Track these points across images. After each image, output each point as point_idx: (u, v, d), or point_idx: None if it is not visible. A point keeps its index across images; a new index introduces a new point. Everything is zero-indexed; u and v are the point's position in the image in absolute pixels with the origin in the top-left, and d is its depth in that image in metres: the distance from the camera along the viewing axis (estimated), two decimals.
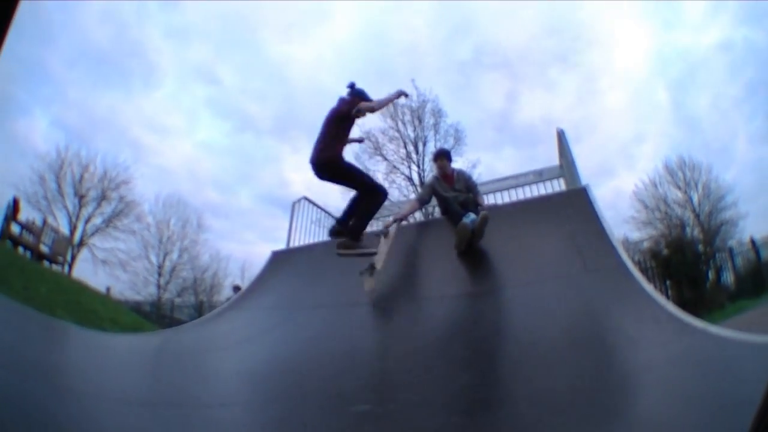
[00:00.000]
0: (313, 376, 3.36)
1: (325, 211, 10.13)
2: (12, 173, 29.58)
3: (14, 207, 18.26)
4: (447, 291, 4.95)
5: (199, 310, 14.48)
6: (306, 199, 9.51)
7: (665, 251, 17.97)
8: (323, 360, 3.80)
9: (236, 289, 11.69)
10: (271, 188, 40.89)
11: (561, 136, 7.93)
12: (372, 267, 5.07)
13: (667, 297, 12.02)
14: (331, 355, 3.92)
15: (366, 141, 22.35)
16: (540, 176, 8.26)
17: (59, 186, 27.16)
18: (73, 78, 36.41)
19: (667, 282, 16.15)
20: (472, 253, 5.42)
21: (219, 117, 43.98)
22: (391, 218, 6.13)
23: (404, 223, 6.42)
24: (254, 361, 4.12)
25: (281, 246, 8.24)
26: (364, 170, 5.63)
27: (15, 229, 17.99)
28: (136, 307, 23.42)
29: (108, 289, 23.74)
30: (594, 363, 2.61)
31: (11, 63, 34.18)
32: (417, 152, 22.77)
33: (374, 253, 5.23)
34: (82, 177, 27.76)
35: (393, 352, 3.88)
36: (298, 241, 8.84)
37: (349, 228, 5.35)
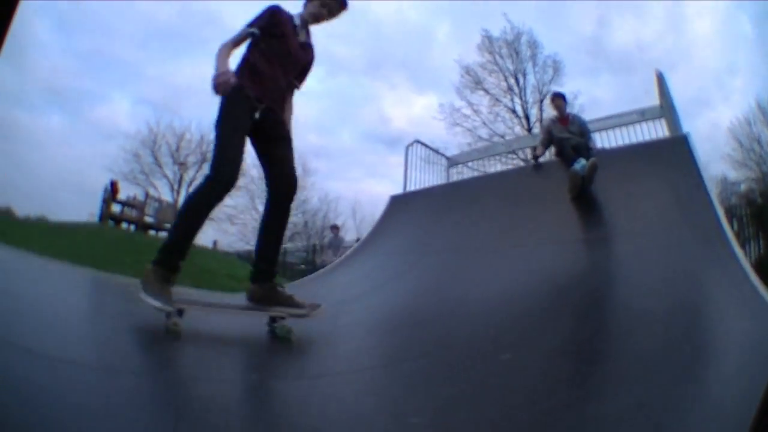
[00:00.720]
0: (446, 324, 3.29)
1: (438, 152, 10.39)
2: (103, 157, 32.20)
3: (112, 189, 19.56)
4: (562, 236, 5.10)
5: (312, 252, 15.04)
6: (418, 142, 9.80)
7: (759, 200, 17.17)
8: (454, 306, 3.77)
9: (334, 229, 11.99)
10: (371, 126, 41.57)
11: (660, 79, 7.88)
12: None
13: (759, 249, 11.69)
14: (461, 301, 3.92)
15: (465, 76, 22.95)
16: (642, 116, 8.23)
17: (156, 158, 29.15)
18: (147, 56, 38.16)
19: (759, 234, 15.55)
20: (584, 199, 5.56)
21: None
22: (530, 156, 6.26)
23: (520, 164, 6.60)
24: (387, 310, 4.08)
25: (387, 182, 8.76)
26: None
27: (116, 208, 19.20)
28: (247, 257, 24.44)
29: (215, 243, 25.19)
30: (686, 326, 2.56)
31: (68, 61, 36.46)
32: (518, 85, 22.64)
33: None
34: (178, 146, 29.65)
35: (518, 297, 3.79)
36: (413, 185, 9.04)
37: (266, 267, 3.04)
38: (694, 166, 5.21)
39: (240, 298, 3.37)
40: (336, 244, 9.93)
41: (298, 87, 3.22)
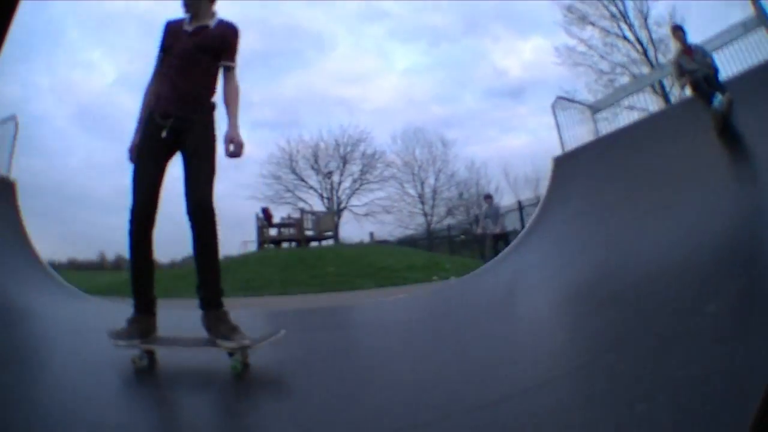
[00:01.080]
0: (647, 277, 3.43)
1: (582, 104, 10.43)
2: (241, 188, 34.02)
3: (265, 216, 20.69)
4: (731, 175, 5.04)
5: (474, 224, 15.64)
6: (562, 98, 9.98)
7: None
8: (654, 260, 3.89)
9: (488, 198, 11.75)
10: (489, 83, 40.96)
11: None
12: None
13: None
14: (657, 252, 4.05)
15: (568, 14, 22.32)
16: (744, 28, 7.52)
17: (297, 174, 30.72)
18: (248, 81, 40.63)
19: None
20: (728, 134, 5.46)
21: (408, 41, 44.89)
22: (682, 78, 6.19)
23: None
24: (587, 273, 4.34)
25: (524, 134, 9.04)
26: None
27: (272, 232, 20.39)
28: (408, 241, 25.83)
29: (371, 234, 26.66)
30: None
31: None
32: (618, 10, 21.60)
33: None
34: (316, 156, 31.02)
35: (707, 244, 3.72)
36: (568, 142, 8.93)
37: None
38: None
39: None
40: (493, 213, 10.04)
41: (230, 66, 2.93)
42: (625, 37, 21.55)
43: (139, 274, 2.74)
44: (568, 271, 4.84)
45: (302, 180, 31.02)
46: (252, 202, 28.79)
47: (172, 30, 2.92)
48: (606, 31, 21.86)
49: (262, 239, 20.51)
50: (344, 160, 30.97)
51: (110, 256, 37.39)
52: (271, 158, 30.61)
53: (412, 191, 31.39)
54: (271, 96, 40.26)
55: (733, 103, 5.40)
